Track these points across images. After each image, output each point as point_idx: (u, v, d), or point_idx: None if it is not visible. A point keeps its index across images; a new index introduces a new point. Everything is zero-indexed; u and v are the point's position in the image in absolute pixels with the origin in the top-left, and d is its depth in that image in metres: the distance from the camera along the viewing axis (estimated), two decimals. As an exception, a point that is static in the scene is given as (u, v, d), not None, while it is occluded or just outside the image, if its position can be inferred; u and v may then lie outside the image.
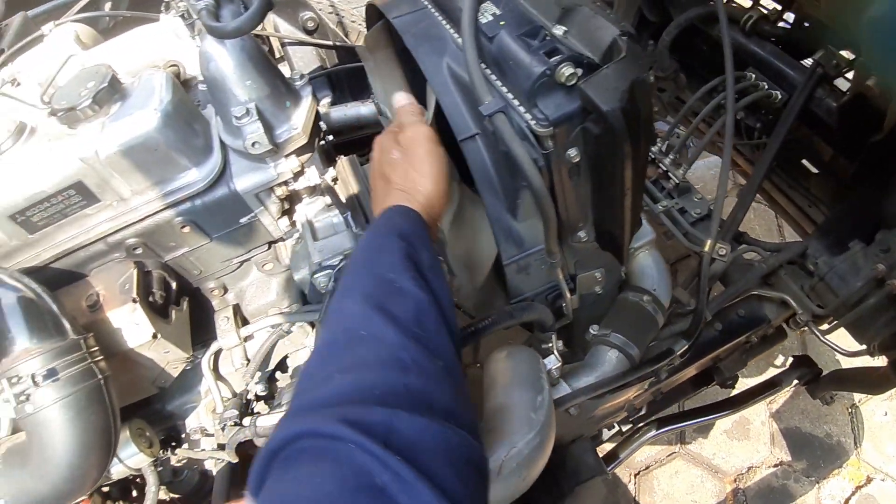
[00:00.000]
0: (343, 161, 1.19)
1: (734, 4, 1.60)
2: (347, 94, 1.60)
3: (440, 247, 1.07)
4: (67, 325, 0.90)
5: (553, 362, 1.07)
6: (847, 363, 1.95)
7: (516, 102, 0.87)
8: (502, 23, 0.89)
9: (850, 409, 1.96)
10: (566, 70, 0.80)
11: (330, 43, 1.59)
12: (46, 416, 0.89)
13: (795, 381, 1.61)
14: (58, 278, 1.02)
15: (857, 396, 1.97)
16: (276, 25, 1.58)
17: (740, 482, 1.89)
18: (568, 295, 1.10)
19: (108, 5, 2.01)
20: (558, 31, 0.84)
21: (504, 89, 0.89)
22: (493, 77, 0.91)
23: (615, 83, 0.78)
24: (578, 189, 0.94)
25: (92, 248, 1.00)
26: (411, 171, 0.87)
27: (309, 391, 0.59)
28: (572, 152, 0.87)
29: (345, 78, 1.59)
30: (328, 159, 1.24)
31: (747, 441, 1.94)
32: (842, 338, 1.37)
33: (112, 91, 0.92)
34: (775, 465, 1.90)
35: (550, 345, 1.10)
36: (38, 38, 1.38)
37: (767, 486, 1.88)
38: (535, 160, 0.85)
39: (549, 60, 0.81)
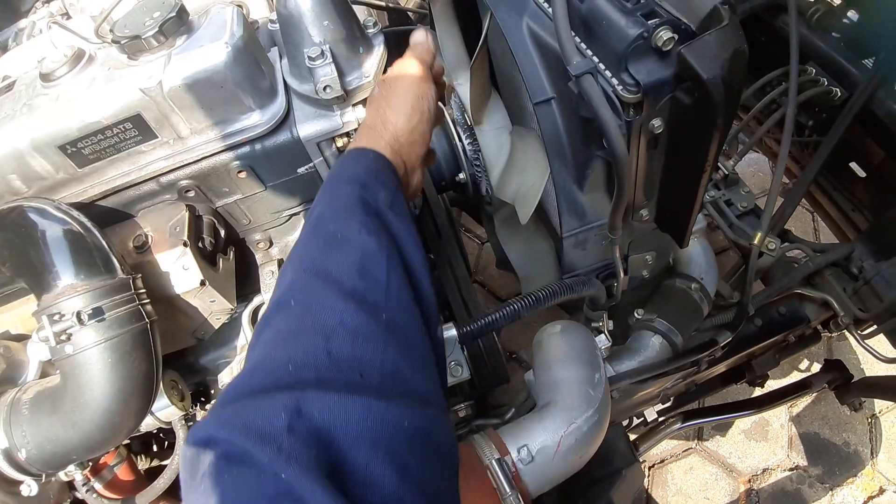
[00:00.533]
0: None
1: (800, -5, 1.56)
2: (395, 57, 1.55)
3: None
4: (117, 263, 0.87)
5: (603, 342, 1.04)
6: (873, 372, 1.93)
7: (602, 66, 0.83)
8: (593, -19, 0.86)
9: (869, 420, 1.95)
10: (664, 34, 0.76)
11: (381, 3, 1.54)
12: (87, 358, 0.85)
13: (825, 385, 1.59)
14: (104, 217, 0.99)
15: (877, 407, 1.95)
16: (327, -18, 1.54)
17: (754, 483, 1.88)
18: (621, 275, 1.07)
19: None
20: (655, -7, 0.81)
21: (589, 52, 0.86)
22: (578, 39, 0.87)
23: (717, 51, 0.75)
24: (653, 163, 0.91)
25: (143, 188, 0.96)
26: (383, 106, 0.79)
27: (236, 378, 0.51)
28: (656, 122, 0.83)
29: (394, 41, 1.55)
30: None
31: (765, 442, 1.92)
32: (876, 343, 1.35)
33: (179, 22, 0.88)
34: (791, 469, 1.89)
35: (601, 324, 1.07)
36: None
37: (781, 490, 1.86)
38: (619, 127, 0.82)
39: (646, 22, 0.77)
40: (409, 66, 0.84)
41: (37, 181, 0.93)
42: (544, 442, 0.78)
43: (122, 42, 0.89)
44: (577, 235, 1.00)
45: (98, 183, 0.95)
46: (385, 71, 0.96)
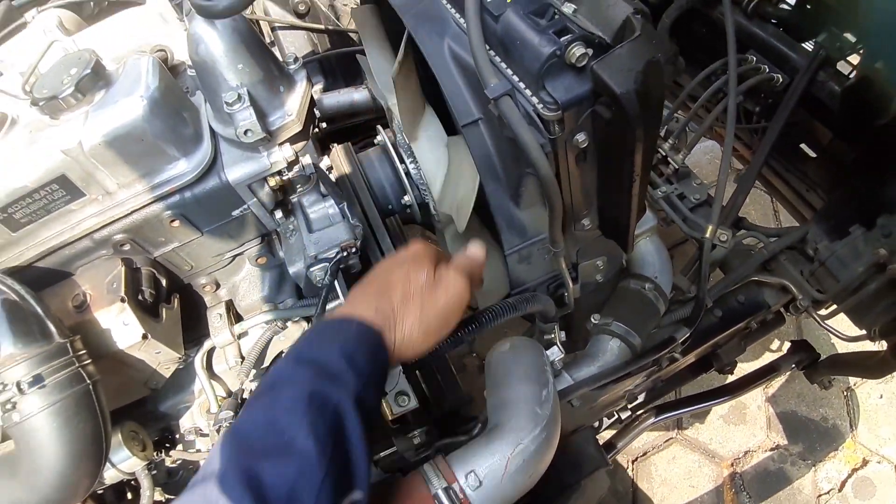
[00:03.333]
0: (338, 149, 1.15)
1: (735, -15, 1.57)
2: (340, 80, 1.55)
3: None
4: (53, 329, 0.86)
5: (556, 353, 1.04)
6: (845, 348, 1.95)
7: (522, 85, 0.84)
8: (509, 0, 0.86)
9: (845, 393, 1.97)
10: (577, 50, 0.76)
11: (322, 27, 1.54)
12: (34, 425, 0.85)
13: (793, 366, 1.60)
14: (43, 278, 0.98)
15: (852, 380, 1.97)
16: (266, 9, 1.53)
17: (737, 466, 1.90)
18: (570, 284, 1.07)
19: (94, -11, 1.94)
20: (567, 8, 0.81)
21: (509, 71, 0.86)
22: (498, 59, 0.87)
23: (629, 64, 0.75)
24: (585, 175, 0.92)
25: (78, 246, 0.95)
26: (415, 310, 0.72)
27: None
28: (580, 137, 0.83)
29: (337, 63, 1.54)
30: (322, 148, 1.20)
31: (744, 425, 1.94)
32: (840, 322, 1.36)
33: (96, 78, 0.88)
34: (772, 449, 1.91)
35: (553, 335, 1.07)
36: (22, 26, 1.32)
37: (764, 470, 1.88)
38: (542, 146, 0.82)
39: (558, 40, 0.77)
40: (461, 286, 0.76)
41: (-27, 249, 0.93)
42: (491, 465, 0.77)
43: (41, 104, 0.88)
44: (519, 251, 1.00)
45: (33, 245, 0.94)
46: (309, 105, 0.96)
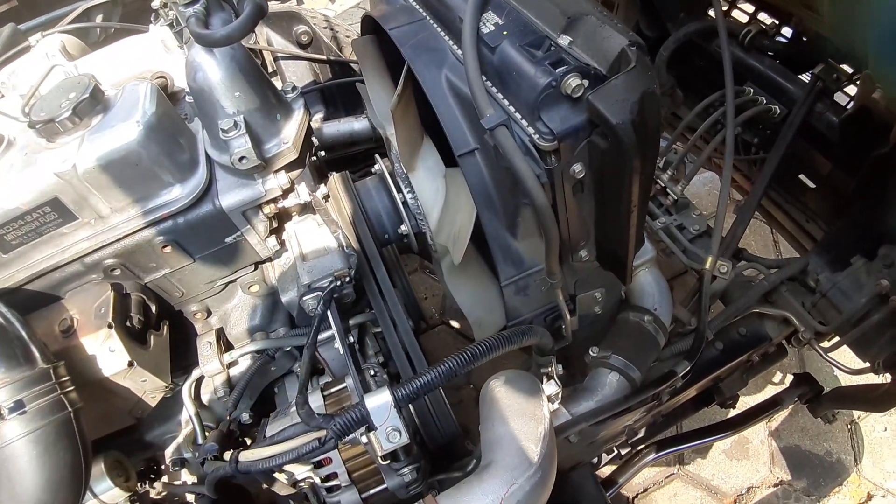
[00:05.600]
0: (335, 178, 1.15)
1: (731, 19, 1.58)
2: (341, 109, 1.56)
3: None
4: (37, 353, 0.84)
5: (553, 388, 1.02)
6: (848, 380, 1.92)
7: (518, 116, 0.83)
8: (505, 32, 0.86)
9: (849, 426, 1.93)
10: (573, 81, 0.76)
11: (324, 57, 1.55)
12: (13, 451, 0.83)
13: (796, 400, 1.57)
14: (32, 300, 0.97)
15: (856, 412, 1.94)
16: (269, 39, 1.55)
17: (740, 503, 1.85)
18: (568, 317, 1.05)
19: (99, 17, 1.96)
20: (564, 40, 0.81)
21: (506, 102, 0.85)
22: (495, 90, 0.87)
23: (625, 95, 0.74)
24: (582, 206, 0.91)
25: (68, 269, 0.94)
26: None
27: None
28: (577, 167, 0.83)
29: (338, 93, 1.55)
30: (320, 176, 1.19)
31: (746, 461, 1.90)
32: (843, 354, 1.34)
33: (93, 102, 0.88)
34: (775, 485, 1.87)
35: (550, 369, 1.05)
36: (26, 49, 1.33)
37: (768, 507, 1.84)
38: (538, 176, 0.81)
39: (554, 71, 0.77)
40: None
41: (-38, 270, 0.91)
42: (484, 506, 0.75)
43: (38, 126, 0.88)
44: (516, 283, 0.99)
45: (23, 268, 0.93)
46: (306, 134, 0.95)
